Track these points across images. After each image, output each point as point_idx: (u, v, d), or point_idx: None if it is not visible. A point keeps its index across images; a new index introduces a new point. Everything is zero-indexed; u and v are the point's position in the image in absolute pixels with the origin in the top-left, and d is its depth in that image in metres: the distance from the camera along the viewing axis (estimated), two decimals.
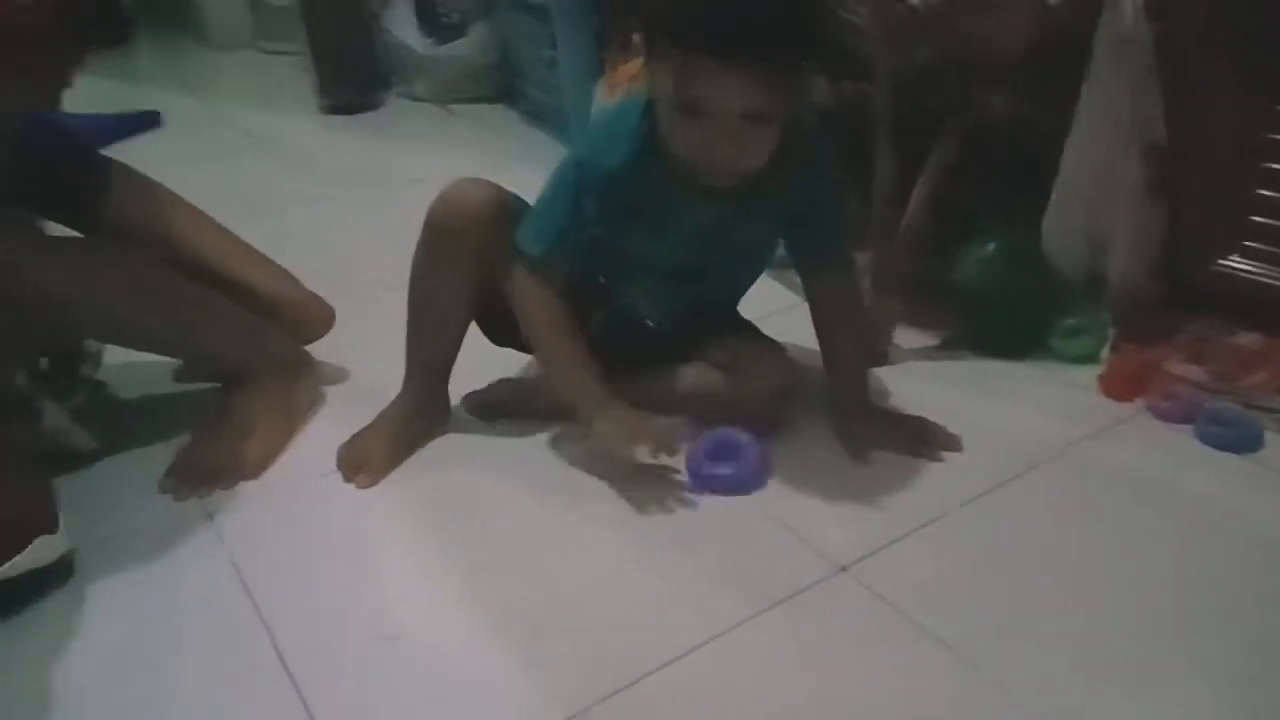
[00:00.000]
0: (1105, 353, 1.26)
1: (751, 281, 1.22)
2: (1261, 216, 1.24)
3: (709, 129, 0.95)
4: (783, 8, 0.92)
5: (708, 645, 0.88)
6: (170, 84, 2.70)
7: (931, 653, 0.87)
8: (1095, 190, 1.25)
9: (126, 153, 1.26)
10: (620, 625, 0.91)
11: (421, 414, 1.17)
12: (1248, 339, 1.25)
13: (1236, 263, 1.26)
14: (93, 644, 0.91)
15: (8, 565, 0.89)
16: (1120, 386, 1.21)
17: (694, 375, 1.15)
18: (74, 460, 1.12)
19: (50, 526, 0.92)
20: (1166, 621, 0.90)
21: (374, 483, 1.11)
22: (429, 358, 1.17)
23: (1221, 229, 1.27)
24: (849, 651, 0.88)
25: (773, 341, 1.20)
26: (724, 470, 1.08)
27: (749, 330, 1.22)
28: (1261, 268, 1.25)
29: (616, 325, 1.16)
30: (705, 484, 1.08)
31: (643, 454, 1.07)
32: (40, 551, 0.91)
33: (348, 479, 1.11)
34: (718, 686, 0.84)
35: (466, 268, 1.10)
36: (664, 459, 1.07)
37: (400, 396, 1.17)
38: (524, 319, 1.08)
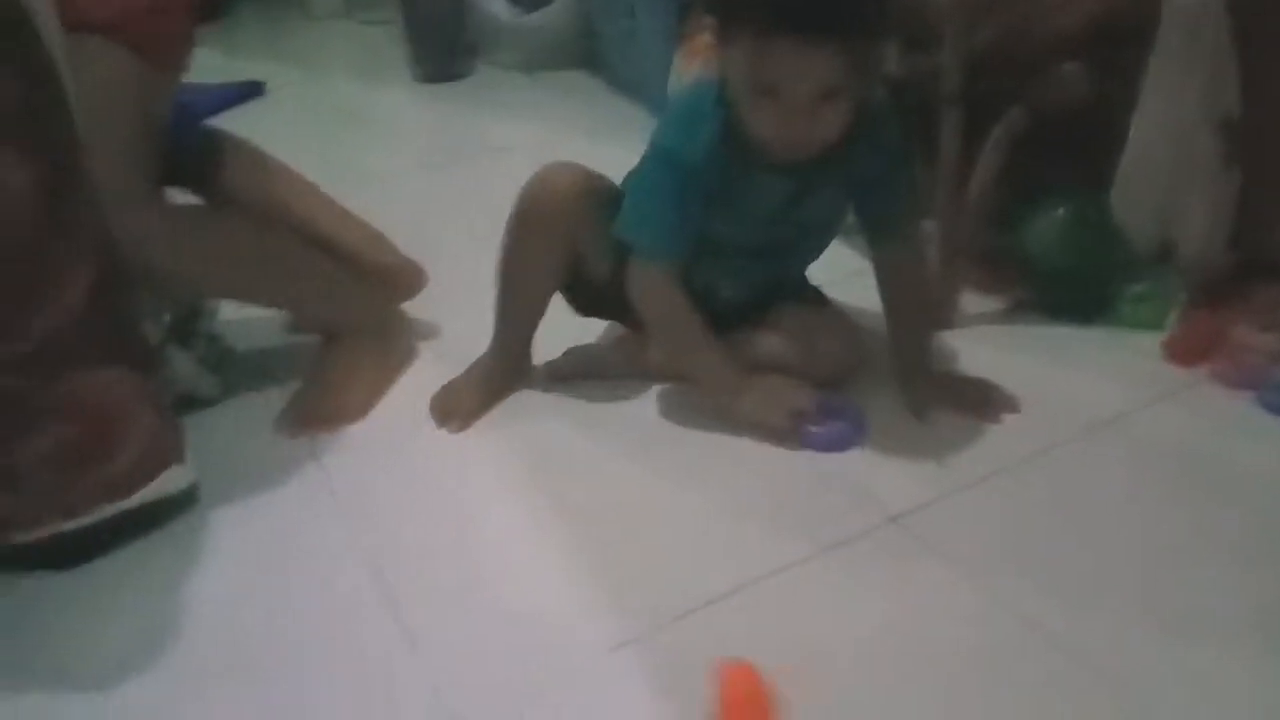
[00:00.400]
0: (1171, 319, 1.28)
1: (823, 249, 1.27)
2: None
3: (784, 109, 0.99)
4: None
5: (759, 583, 0.94)
6: (271, 54, 2.82)
7: (975, 602, 0.92)
8: (1167, 162, 1.26)
9: (230, 121, 1.35)
10: (674, 561, 0.99)
11: (507, 369, 1.25)
12: None
13: None
14: (213, 565, 1.02)
15: (141, 492, 0.99)
16: (1185, 353, 1.22)
17: (764, 344, 1.19)
18: (198, 404, 1.23)
19: (179, 458, 1.03)
20: (1208, 575, 0.94)
21: (463, 428, 1.20)
22: (516, 322, 1.24)
23: None
24: (895, 598, 0.93)
25: (841, 312, 1.25)
26: (833, 426, 1.13)
27: (818, 298, 1.27)
28: None
29: (693, 299, 1.21)
30: (813, 440, 1.13)
31: (785, 418, 1.12)
32: (170, 481, 1.02)
33: (439, 425, 1.20)
34: (762, 622, 0.91)
35: (555, 247, 1.17)
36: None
37: (488, 352, 1.25)
38: (655, 318, 1.15)
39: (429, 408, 1.23)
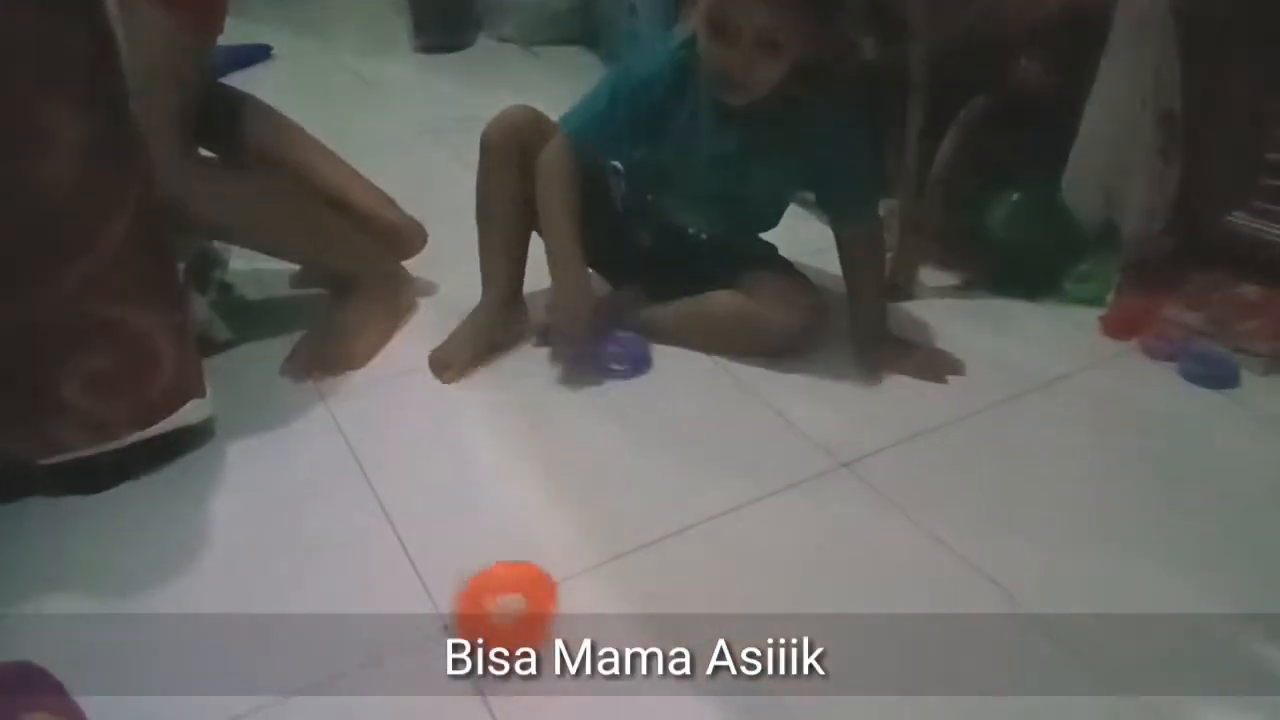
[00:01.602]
0: (1109, 297, 1.39)
1: (779, 214, 1.38)
2: (1270, 178, 1.35)
3: (728, 48, 1.13)
4: None
5: (714, 520, 1.05)
6: (280, 20, 2.88)
7: (920, 541, 1.02)
8: (1112, 151, 1.37)
9: (237, 83, 1.43)
10: (642, 497, 1.09)
11: (497, 322, 1.35)
12: (1249, 290, 1.37)
13: (1244, 220, 1.37)
14: (230, 491, 1.12)
15: (168, 420, 1.09)
16: (1119, 326, 1.34)
17: (726, 299, 1.31)
18: (211, 348, 1.32)
19: (201, 392, 1.12)
20: (1129, 517, 1.07)
21: (458, 378, 1.30)
22: (498, 264, 1.34)
23: (1232, 188, 1.38)
24: (843, 535, 1.04)
25: (807, 281, 1.36)
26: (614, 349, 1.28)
27: (785, 267, 1.37)
28: (1267, 225, 1.36)
29: (664, 238, 1.34)
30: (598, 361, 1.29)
31: (558, 314, 1.28)
32: (192, 412, 1.11)
33: (436, 375, 1.30)
34: (712, 555, 1.01)
35: (515, 174, 1.29)
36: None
37: (479, 305, 1.35)
38: (540, 173, 1.27)
39: (428, 361, 1.32)
